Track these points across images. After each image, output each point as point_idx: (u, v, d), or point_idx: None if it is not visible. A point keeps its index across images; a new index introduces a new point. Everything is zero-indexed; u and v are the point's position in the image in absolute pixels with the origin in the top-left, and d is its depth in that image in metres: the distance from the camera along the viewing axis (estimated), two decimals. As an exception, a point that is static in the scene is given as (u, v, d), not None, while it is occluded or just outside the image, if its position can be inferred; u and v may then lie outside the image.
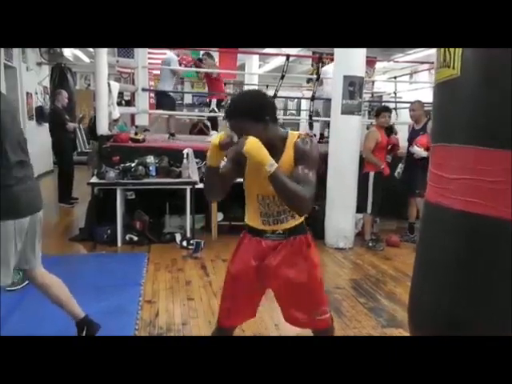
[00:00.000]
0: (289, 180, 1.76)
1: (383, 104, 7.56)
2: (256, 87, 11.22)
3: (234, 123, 1.84)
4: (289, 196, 1.78)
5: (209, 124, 9.44)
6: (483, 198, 1.30)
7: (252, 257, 1.98)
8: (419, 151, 4.99)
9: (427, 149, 4.84)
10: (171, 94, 7.33)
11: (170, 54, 6.89)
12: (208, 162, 1.90)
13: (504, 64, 1.25)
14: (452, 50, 1.38)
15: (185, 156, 5.07)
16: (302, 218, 2.00)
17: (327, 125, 6.89)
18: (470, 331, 1.37)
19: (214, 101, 7.01)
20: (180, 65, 7.24)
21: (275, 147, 1.85)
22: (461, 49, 1.35)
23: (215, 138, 1.85)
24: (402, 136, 5.74)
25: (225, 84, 12.28)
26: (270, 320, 3.12)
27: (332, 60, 6.81)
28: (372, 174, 4.97)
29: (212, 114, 7.09)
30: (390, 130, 5.48)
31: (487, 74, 1.29)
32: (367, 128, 6.23)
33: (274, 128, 1.89)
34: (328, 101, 6.14)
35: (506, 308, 1.33)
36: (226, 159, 2.04)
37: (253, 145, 1.72)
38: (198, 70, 7.20)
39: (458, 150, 1.37)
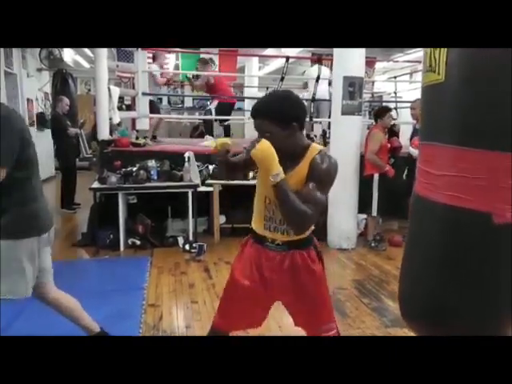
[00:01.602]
0: (293, 195, 1.66)
1: (383, 104, 7.56)
2: (256, 89, 11.25)
3: (257, 123, 1.75)
4: (289, 211, 1.69)
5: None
6: (466, 192, 1.40)
7: (253, 266, 1.91)
8: (414, 152, 5.00)
9: None
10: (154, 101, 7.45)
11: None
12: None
13: (486, 70, 1.34)
14: (437, 56, 1.45)
15: (186, 159, 5.08)
16: (308, 233, 1.89)
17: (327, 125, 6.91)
18: (458, 326, 1.45)
19: (215, 103, 7.02)
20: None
21: (293, 156, 1.77)
22: (445, 56, 1.42)
23: (213, 143, 1.87)
24: (404, 135, 5.75)
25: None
26: (273, 321, 3.11)
27: (319, 61, 6.87)
28: (377, 176, 4.96)
29: (209, 117, 7.08)
30: (392, 131, 5.47)
31: (469, 80, 1.38)
32: (368, 128, 6.22)
33: (298, 136, 1.78)
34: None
35: (494, 302, 1.42)
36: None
37: (263, 150, 1.63)
38: (201, 72, 7.17)
39: (443, 149, 1.46)
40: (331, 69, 5.91)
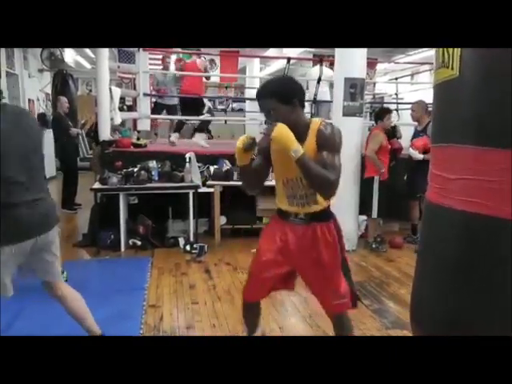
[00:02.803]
0: (315, 164, 1.86)
1: (383, 106, 7.54)
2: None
3: (263, 103, 1.96)
4: (316, 180, 1.89)
5: (210, 128, 9.42)
6: (483, 197, 1.31)
7: (278, 236, 2.12)
8: (414, 154, 4.99)
9: (424, 151, 4.83)
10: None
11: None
12: (238, 163, 2.04)
13: (503, 64, 1.25)
14: (450, 50, 1.38)
15: (187, 160, 5.08)
16: (325, 205, 2.09)
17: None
18: (470, 330, 1.38)
19: (208, 103, 7.02)
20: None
21: (299, 132, 1.92)
22: (459, 49, 1.35)
23: (239, 142, 1.96)
24: (404, 137, 5.75)
25: (226, 87, 12.38)
26: (274, 323, 3.11)
27: (320, 62, 6.86)
28: (377, 178, 4.95)
29: (210, 117, 7.07)
30: (392, 132, 5.46)
31: (486, 74, 1.30)
32: (369, 129, 6.22)
33: (300, 113, 2.00)
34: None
35: (506, 307, 1.33)
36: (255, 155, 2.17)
37: (281, 131, 1.82)
38: (204, 74, 7.16)
39: (458, 151, 1.38)
40: (332, 70, 5.90)
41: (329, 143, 1.94)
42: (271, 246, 2.13)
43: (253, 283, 2.23)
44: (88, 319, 2.53)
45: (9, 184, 2.15)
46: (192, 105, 7.02)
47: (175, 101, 7.39)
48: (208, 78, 7.72)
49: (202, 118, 6.65)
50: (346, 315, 2.25)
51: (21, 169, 2.20)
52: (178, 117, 7.09)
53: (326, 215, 2.12)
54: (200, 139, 6.37)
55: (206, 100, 7.19)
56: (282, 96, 1.92)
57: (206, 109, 6.93)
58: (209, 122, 7.25)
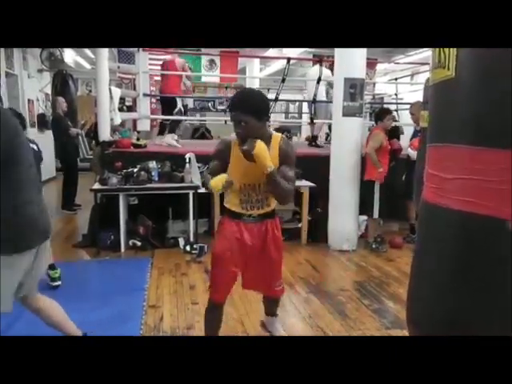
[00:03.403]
0: (280, 178, 2.15)
1: (384, 106, 7.54)
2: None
3: (237, 115, 2.11)
4: (281, 191, 2.19)
5: (210, 129, 9.47)
6: (479, 197, 1.31)
7: (233, 234, 2.33)
8: (412, 154, 4.99)
9: None
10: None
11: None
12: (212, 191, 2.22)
13: (499, 64, 1.25)
14: (447, 51, 1.38)
15: (187, 161, 5.08)
16: (274, 206, 2.39)
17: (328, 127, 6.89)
18: (467, 330, 1.38)
19: (179, 104, 7.06)
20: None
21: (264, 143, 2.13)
22: (455, 50, 1.35)
23: (217, 185, 2.12)
24: (404, 137, 5.75)
25: (226, 88, 12.39)
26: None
27: (320, 63, 6.87)
28: (377, 182, 4.94)
29: (210, 118, 7.08)
30: (393, 133, 5.46)
31: (482, 74, 1.30)
32: (369, 130, 6.22)
33: (266, 127, 2.26)
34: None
35: (505, 307, 1.33)
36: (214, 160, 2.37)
37: (262, 148, 2.05)
38: (206, 74, 7.18)
39: (454, 150, 1.38)
40: (332, 70, 5.91)
41: (289, 159, 2.25)
42: (230, 245, 2.33)
43: (219, 282, 2.39)
44: (67, 325, 2.45)
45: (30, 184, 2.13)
46: (166, 105, 7.12)
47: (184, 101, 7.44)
48: (189, 77, 7.67)
49: (202, 118, 6.65)
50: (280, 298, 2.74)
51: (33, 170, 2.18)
52: (178, 117, 7.09)
53: (274, 213, 2.42)
54: (170, 139, 6.28)
55: (179, 101, 7.15)
56: (257, 113, 2.11)
57: (176, 110, 6.93)
58: (179, 122, 7.25)
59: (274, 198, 2.30)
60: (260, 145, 2.05)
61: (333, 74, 5.57)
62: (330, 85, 6.62)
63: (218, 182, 2.13)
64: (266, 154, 2.07)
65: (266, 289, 2.58)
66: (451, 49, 1.37)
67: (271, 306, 2.79)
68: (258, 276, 2.49)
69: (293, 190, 2.24)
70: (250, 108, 2.10)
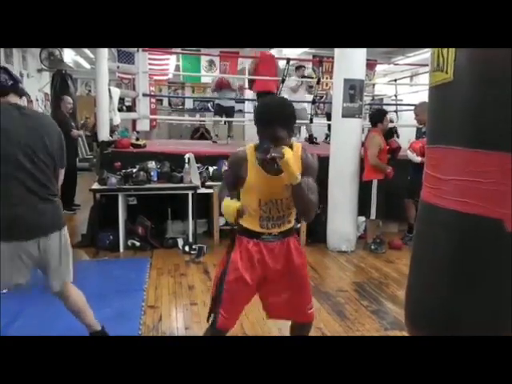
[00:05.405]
0: (306, 190, 1.94)
1: (378, 108, 7.53)
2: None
3: (273, 130, 1.89)
4: (307, 204, 1.98)
5: (209, 129, 9.44)
6: (476, 198, 1.33)
7: (253, 256, 2.08)
8: (412, 156, 4.99)
9: (422, 154, 4.80)
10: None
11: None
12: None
13: (497, 68, 1.28)
14: (445, 54, 1.40)
15: (186, 161, 5.07)
16: (293, 222, 2.18)
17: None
18: (461, 327, 1.40)
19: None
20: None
21: None
22: (453, 53, 1.37)
23: (230, 215, 1.95)
24: (404, 138, 5.75)
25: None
26: (272, 324, 3.11)
27: (320, 63, 6.87)
28: (375, 181, 4.93)
29: (211, 118, 7.09)
30: (389, 134, 5.44)
31: (479, 78, 1.32)
32: (368, 130, 6.22)
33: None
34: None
35: (504, 307, 1.36)
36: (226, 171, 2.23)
37: (291, 155, 1.85)
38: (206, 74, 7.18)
39: (452, 152, 1.40)
40: (332, 70, 5.92)
41: (312, 170, 2.04)
42: (250, 268, 2.07)
43: (232, 311, 2.11)
44: (88, 314, 2.57)
45: (8, 181, 2.18)
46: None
47: (232, 103, 7.62)
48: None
49: (202, 118, 6.65)
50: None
51: (22, 168, 2.21)
52: (178, 117, 7.08)
53: (293, 230, 2.20)
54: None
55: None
56: (290, 125, 1.96)
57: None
58: None
59: (299, 212, 2.08)
60: (289, 152, 1.84)
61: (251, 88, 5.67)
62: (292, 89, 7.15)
63: (230, 216, 1.96)
64: (295, 161, 1.89)
65: (296, 314, 2.22)
66: (449, 52, 1.39)
67: (303, 333, 2.28)
68: (287, 301, 2.16)
69: (316, 202, 2.01)
70: (286, 122, 1.93)
